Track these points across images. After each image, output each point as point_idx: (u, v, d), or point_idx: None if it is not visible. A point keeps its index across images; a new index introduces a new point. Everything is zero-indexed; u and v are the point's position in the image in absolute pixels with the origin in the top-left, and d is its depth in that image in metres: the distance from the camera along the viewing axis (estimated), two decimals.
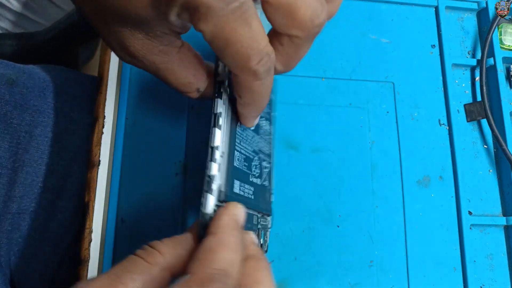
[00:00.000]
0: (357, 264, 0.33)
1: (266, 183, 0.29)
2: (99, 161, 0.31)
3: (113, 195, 0.31)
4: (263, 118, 0.30)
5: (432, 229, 0.34)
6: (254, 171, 0.28)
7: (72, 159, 0.35)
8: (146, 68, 0.24)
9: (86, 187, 0.31)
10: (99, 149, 0.31)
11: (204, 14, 0.18)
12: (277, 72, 0.24)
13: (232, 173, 0.25)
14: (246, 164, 0.27)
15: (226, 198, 0.24)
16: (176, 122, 0.33)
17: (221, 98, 0.26)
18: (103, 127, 0.32)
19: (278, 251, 0.32)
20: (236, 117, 0.26)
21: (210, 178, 0.23)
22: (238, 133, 0.27)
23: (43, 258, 0.34)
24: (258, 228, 0.28)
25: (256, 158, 0.28)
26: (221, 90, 0.26)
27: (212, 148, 0.24)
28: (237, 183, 0.26)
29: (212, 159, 0.24)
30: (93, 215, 0.31)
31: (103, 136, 0.32)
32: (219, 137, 0.24)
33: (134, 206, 0.32)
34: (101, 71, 0.33)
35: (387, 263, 0.33)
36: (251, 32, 0.19)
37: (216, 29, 0.19)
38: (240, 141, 0.27)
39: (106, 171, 0.31)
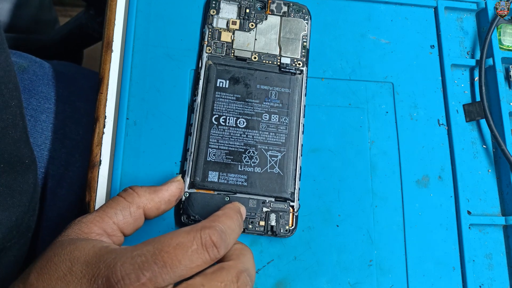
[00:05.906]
0: (357, 264, 0.33)
1: (276, 170, 0.32)
2: (100, 161, 0.31)
3: (113, 195, 0.31)
4: (271, 113, 0.33)
5: (431, 228, 0.35)
6: (246, 161, 0.32)
7: (74, 147, 0.35)
8: None
9: (86, 187, 0.31)
10: (100, 149, 0.32)
11: None
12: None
13: (205, 166, 0.31)
14: (231, 157, 0.32)
15: (196, 186, 0.31)
16: (176, 122, 0.34)
17: (193, 113, 0.33)
18: (104, 127, 0.32)
19: (278, 250, 0.32)
20: (210, 122, 0.32)
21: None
22: (213, 134, 0.32)
23: (39, 248, 0.34)
24: (266, 212, 0.31)
25: (250, 150, 0.32)
26: (194, 106, 0.33)
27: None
28: (214, 174, 0.31)
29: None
30: None
31: (104, 136, 0.32)
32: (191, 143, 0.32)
33: None
34: (102, 71, 0.33)
35: (387, 262, 0.33)
36: None
37: None
38: (217, 140, 0.32)
39: (107, 171, 0.32)
